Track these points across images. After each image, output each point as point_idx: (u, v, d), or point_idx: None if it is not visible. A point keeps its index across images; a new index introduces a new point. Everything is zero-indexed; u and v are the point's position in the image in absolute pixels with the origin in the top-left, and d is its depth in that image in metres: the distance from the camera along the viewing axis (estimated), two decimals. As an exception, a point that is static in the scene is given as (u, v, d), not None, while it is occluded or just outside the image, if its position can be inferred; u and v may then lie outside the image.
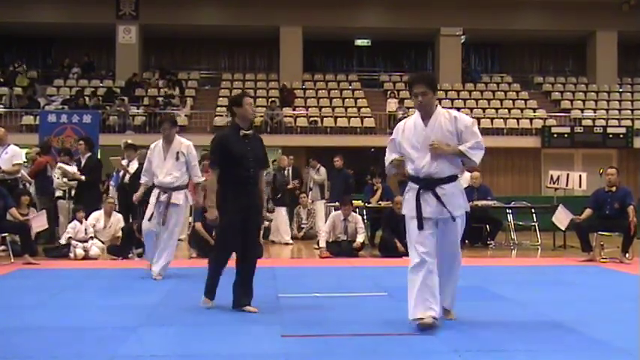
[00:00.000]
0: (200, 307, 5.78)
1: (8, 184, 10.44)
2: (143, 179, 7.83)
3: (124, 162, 11.53)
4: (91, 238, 10.12)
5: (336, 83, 24.28)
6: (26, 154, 12.27)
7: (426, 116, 5.01)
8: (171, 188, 7.51)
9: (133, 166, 11.74)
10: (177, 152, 7.53)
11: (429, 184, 4.98)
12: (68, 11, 23.16)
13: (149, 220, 7.61)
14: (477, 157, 4.97)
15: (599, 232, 9.82)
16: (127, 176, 11.54)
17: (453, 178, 5.04)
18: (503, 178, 20.92)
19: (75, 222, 10.12)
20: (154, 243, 7.63)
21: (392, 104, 21.48)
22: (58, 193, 11.50)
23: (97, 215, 10.62)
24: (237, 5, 23.46)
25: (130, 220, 10.87)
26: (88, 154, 11.56)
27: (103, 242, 10.32)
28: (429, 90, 4.97)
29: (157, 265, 7.51)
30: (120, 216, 10.94)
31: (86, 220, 10.32)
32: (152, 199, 7.61)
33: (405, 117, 20.51)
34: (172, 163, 7.53)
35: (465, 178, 14.57)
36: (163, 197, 7.52)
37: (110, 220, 10.70)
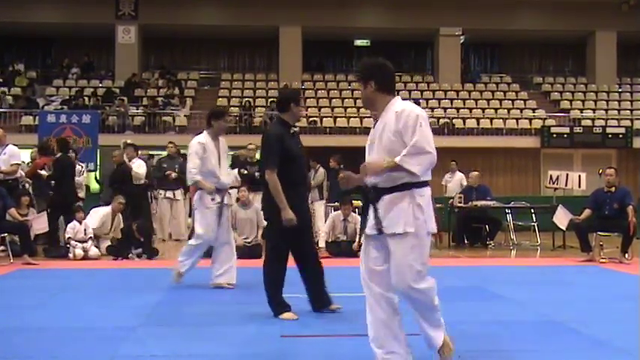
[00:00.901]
0: (200, 307, 5.78)
1: (9, 184, 10.44)
2: (198, 177, 6.78)
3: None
4: (91, 238, 10.10)
5: (336, 83, 24.28)
6: (31, 153, 12.28)
7: (377, 114, 4.02)
8: (227, 189, 7.09)
9: (139, 167, 11.77)
10: (226, 150, 7.06)
11: (375, 194, 3.94)
12: (67, 11, 23.14)
13: (209, 228, 6.88)
14: (415, 165, 3.78)
15: (599, 233, 9.82)
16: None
17: (399, 188, 3.87)
18: (503, 178, 20.92)
19: (74, 222, 10.10)
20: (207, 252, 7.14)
21: None
22: None
23: (104, 215, 10.54)
24: (236, 5, 23.45)
25: (129, 220, 10.88)
26: (59, 154, 11.52)
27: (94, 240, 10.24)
28: (364, 82, 3.99)
29: (227, 274, 6.99)
30: (120, 217, 10.95)
31: (84, 219, 10.28)
32: (209, 204, 6.81)
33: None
34: (225, 162, 7.11)
35: (457, 180, 14.62)
36: (227, 199, 7.00)
37: (116, 220, 10.67)
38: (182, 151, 13.59)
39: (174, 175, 12.29)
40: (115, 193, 10.74)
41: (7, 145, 10.82)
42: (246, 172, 12.20)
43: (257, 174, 12.44)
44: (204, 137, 6.88)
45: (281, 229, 5.22)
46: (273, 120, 5.77)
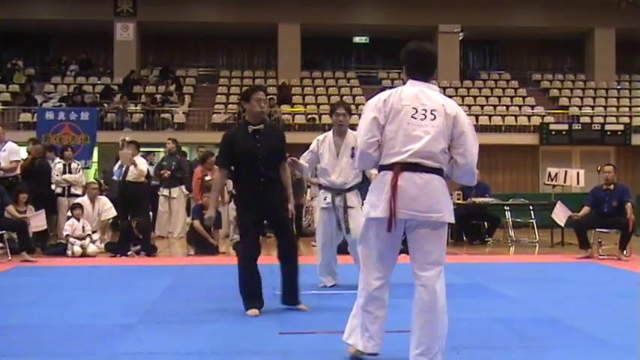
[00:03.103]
0: (198, 304, 5.78)
1: (9, 181, 10.42)
2: (307, 170, 6.71)
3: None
4: (89, 235, 10.10)
5: (334, 80, 24.25)
6: (27, 148, 12.27)
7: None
8: (345, 190, 6.48)
9: (142, 164, 11.77)
10: (353, 148, 6.15)
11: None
12: (66, 8, 23.11)
13: (318, 233, 6.74)
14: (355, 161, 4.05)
15: (597, 229, 9.84)
16: (129, 173, 11.55)
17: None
18: (502, 175, 20.92)
19: (72, 219, 10.10)
20: (333, 256, 6.74)
21: None
22: (58, 190, 11.49)
23: (82, 202, 10.57)
24: (235, 3, 23.42)
25: (129, 218, 10.88)
26: (31, 157, 11.53)
27: (92, 237, 10.23)
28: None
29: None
30: (106, 199, 10.95)
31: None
32: (321, 204, 6.64)
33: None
34: (347, 161, 6.46)
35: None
36: (338, 201, 6.48)
37: (96, 205, 10.67)
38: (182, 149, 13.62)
39: (167, 173, 12.28)
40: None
41: (7, 141, 10.81)
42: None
43: None
44: (323, 135, 6.78)
45: (240, 226, 5.54)
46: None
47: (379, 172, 3.82)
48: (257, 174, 5.40)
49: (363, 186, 6.37)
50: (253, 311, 5.37)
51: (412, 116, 3.71)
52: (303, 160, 6.48)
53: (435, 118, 3.71)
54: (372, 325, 3.90)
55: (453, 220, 3.77)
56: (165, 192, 12.51)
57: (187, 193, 12.45)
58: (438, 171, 3.73)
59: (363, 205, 5.08)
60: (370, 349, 3.92)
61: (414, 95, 3.77)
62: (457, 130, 3.73)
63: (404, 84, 3.92)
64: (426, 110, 3.72)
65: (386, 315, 3.97)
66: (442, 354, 3.70)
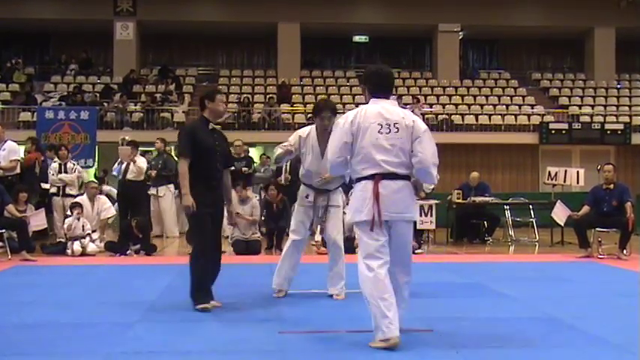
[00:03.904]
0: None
1: (9, 180, 10.42)
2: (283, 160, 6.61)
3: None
4: (89, 234, 10.10)
5: (334, 80, 24.24)
6: (25, 147, 12.28)
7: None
8: (329, 190, 6.19)
9: (143, 163, 11.78)
10: None
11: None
12: (66, 7, 23.11)
13: (295, 229, 6.23)
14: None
15: (597, 229, 9.84)
16: (129, 171, 11.54)
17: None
18: (501, 174, 20.92)
19: (72, 218, 10.09)
20: (296, 260, 6.23)
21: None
22: (53, 190, 11.48)
23: (81, 201, 10.56)
24: (234, 2, 23.42)
25: (129, 217, 10.88)
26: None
27: (91, 235, 10.24)
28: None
29: (338, 285, 6.16)
30: (105, 199, 10.95)
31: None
32: (300, 204, 6.25)
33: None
34: None
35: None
36: (321, 200, 6.16)
37: (95, 204, 10.67)
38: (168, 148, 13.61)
39: (153, 173, 12.31)
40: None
41: (6, 140, 10.81)
42: (233, 167, 12.21)
43: (244, 169, 12.51)
44: (306, 129, 6.26)
45: (195, 219, 5.52)
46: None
47: (358, 182, 4.42)
48: (214, 169, 5.62)
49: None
50: (206, 306, 5.44)
51: (379, 131, 4.33)
52: (280, 148, 6.11)
53: (398, 130, 4.34)
54: (389, 311, 4.24)
55: (418, 219, 4.62)
56: (153, 191, 12.57)
57: (176, 191, 12.52)
58: (408, 177, 4.40)
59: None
60: (389, 333, 4.23)
61: (377, 112, 4.38)
62: (414, 136, 4.35)
63: (366, 103, 4.53)
64: (389, 125, 4.34)
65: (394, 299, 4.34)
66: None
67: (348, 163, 4.44)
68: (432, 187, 8.74)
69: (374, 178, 4.31)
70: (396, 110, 4.44)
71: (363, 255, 4.38)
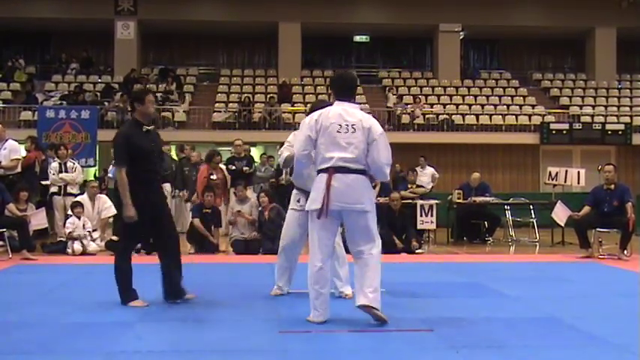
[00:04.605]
0: (197, 302, 5.77)
1: (10, 179, 10.42)
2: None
3: None
4: (90, 234, 10.09)
5: (335, 79, 24.23)
6: (25, 146, 12.27)
7: None
8: None
9: None
10: None
11: None
12: (66, 6, 23.13)
13: (284, 234, 6.10)
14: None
15: (598, 229, 9.83)
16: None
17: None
18: (502, 174, 20.93)
19: (73, 218, 10.10)
20: (290, 262, 6.15)
21: (391, 99, 21.53)
22: (54, 189, 11.47)
23: (82, 200, 10.56)
24: (235, 1, 23.43)
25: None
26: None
27: (92, 235, 10.23)
28: None
29: (347, 285, 6.02)
30: (106, 198, 10.94)
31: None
32: (292, 205, 6.12)
33: (404, 112, 20.12)
34: None
35: (428, 174, 14.66)
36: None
37: (96, 204, 10.67)
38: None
39: None
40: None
41: (7, 139, 10.81)
42: (234, 167, 12.20)
43: (245, 169, 12.49)
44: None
45: (128, 223, 5.55)
46: (128, 120, 5.84)
47: (317, 174, 4.93)
48: (153, 171, 5.69)
49: None
50: (139, 302, 5.59)
51: (337, 131, 4.83)
52: (287, 151, 5.85)
53: (355, 131, 4.82)
54: (317, 300, 4.94)
55: (373, 210, 4.91)
56: None
57: (175, 191, 12.51)
58: (361, 172, 4.85)
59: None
60: (315, 318, 4.95)
61: (339, 114, 4.88)
62: (370, 138, 4.82)
63: (331, 104, 5.04)
64: (348, 125, 4.83)
65: (328, 292, 5.02)
66: (378, 292, 4.87)
67: (311, 156, 4.95)
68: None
69: (328, 171, 4.81)
70: (355, 113, 4.92)
71: (310, 249, 4.97)
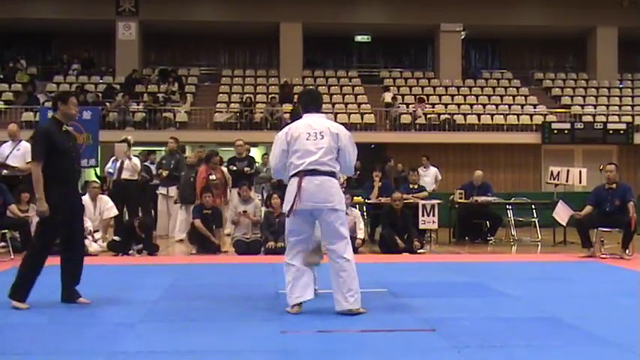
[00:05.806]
0: (199, 303, 5.77)
1: (19, 180, 10.41)
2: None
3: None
4: (91, 234, 10.09)
5: (336, 79, 24.27)
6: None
7: None
8: None
9: (137, 160, 11.76)
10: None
11: None
12: (68, 7, 23.16)
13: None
14: None
15: (599, 228, 9.82)
16: (124, 170, 11.52)
17: None
18: (504, 174, 20.93)
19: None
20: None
21: (387, 97, 21.48)
22: None
23: (83, 201, 10.54)
24: (237, 1, 23.45)
25: (128, 215, 10.87)
26: None
27: (94, 236, 10.24)
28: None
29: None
30: (107, 199, 10.94)
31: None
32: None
33: (405, 112, 20.10)
34: None
35: (431, 174, 14.69)
36: None
37: (97, 204, 10.67)
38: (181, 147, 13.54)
39: (165, 173, 12.26)
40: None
41: (21, 140, 10.74)
42: (235, 168, 12.18)
43: (246, 169, 12.46)
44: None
45: (45, 220, 5.60)
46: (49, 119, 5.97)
47: (290, 179, 5.34)
48: (72, 171, 5.82)
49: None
50: (23, 305, 5.58)
51: (307, 139, 5.30)
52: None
53: (323, 137, 5.30)
54: (290, 286, 5.35)
55: (343, 208, 5.36)
56: (163, 191, 12.48)
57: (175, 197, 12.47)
58: (330, 174, 5.29)
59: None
60: (293, 300, 5.32)
61: (307, 124, 5.39)
62: (341, 144, 5.35)
63: (300, 117, 5.54)
64: (316, 132, 5.31)
65: (306, 279, 5.33)
66: (358, 293, 5.24)
67: (286, 168, 5.37)
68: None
69: (299, 174, 5.24)
70: (322, 122, 5.42)
71: (287, 248, 5.44)
